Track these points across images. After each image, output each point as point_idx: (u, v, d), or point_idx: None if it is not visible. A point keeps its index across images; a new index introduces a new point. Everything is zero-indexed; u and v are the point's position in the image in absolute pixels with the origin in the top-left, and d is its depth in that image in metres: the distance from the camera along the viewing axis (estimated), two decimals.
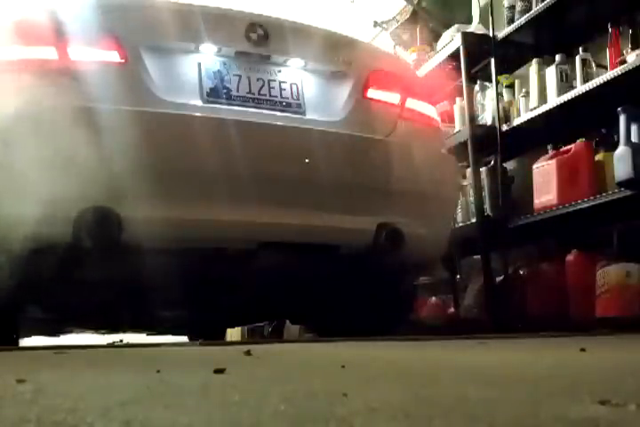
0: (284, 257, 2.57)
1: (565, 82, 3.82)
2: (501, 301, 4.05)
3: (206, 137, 2.40)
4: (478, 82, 4.60)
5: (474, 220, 4.34)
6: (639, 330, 2.89)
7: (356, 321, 3.10)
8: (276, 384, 1.07)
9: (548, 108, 3.84)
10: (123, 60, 2.38)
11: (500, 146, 4.26)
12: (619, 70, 3.37)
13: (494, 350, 2.05)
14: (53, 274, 2.34)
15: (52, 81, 2.29)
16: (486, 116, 4.48)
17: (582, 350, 1.71)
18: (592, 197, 3.51)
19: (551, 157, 3.87)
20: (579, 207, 3.58)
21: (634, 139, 3.25)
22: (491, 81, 4.36)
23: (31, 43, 2.33)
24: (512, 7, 4.25)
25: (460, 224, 4.51)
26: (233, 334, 6.20)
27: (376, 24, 5.95)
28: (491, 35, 4.40)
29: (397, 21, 5.71)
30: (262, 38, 2.58)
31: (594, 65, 3.70)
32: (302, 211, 2.52)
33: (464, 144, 4.36)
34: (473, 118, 4.42)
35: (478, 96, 4.57)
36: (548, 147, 4.02)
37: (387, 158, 2.75)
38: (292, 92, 2.64)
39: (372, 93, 2.80)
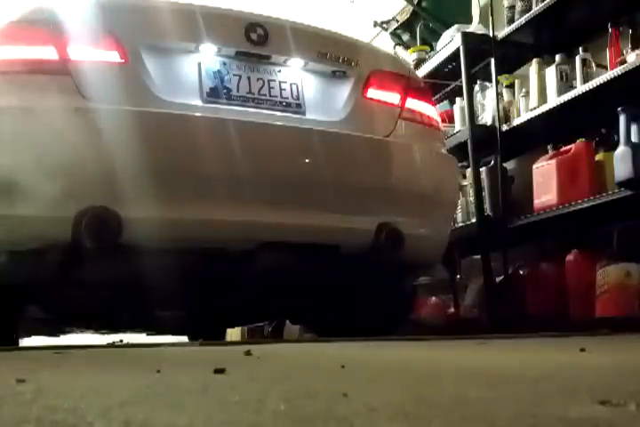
0: (284, 257, 2.56)
1: (565, 82, 3.81)
2: (501, 301, 4.04)
3: (206, 137, 2.40)
4: (478, 82, 4.59)
5: (474, 220, 4.33)
6: (639, 330, 2.89)
7: (356, 321, 3.10)
8: (276, 384, 1.07)
9: (547, 108, 3.84)
10: (123, 60, 2.38)
11: (499, 146, 4.25)
12: (619, 70, 3.37)
13: (494, 350, 2.05)
14: (53, 274, 2.34)
15: (51, 81, 2.29)
16: (486, 116, 4.48)
17: (582, 350, 1.71)
18: (592, 197, 3.51)
19: (551, 157, 3.87)
20: (579, 207, 3.58)
21: (634, 139, 3.25)
22: (491, 81, 4.36)
23: (31, 42, 2.33)
24: (512, 7, 4.25)
25: (460, 224, 4.51)
26: (233, 334, 6.19)
27: (376, 24, 5.93)
28: (491, 35, 4.39)
29: (397, 21, 5.69)
30: (262, 38, 2.58)
31: (594, 65, 3.70)
32: (302, 211, 2.51)
33: (464, 144, 4.36)
34: (473, 118, 4.41)
35: (478, 96, 4.57)
36: (548, 147, 4.02)
37: (387, 158, 2.76)
38: (291, 92, 2.64)
39: (371, 93, 2.80)
